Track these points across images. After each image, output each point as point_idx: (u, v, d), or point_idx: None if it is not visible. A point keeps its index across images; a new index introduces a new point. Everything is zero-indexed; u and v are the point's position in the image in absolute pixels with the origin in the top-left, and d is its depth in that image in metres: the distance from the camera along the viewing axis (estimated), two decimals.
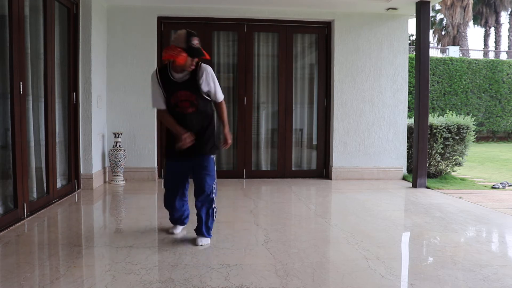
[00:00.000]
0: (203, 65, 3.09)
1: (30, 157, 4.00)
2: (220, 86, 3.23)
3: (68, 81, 4.96)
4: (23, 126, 3.74)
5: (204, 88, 3.07)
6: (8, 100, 3.57)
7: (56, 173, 4.57)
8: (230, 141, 3.26)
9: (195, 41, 2.94)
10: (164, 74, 3.06)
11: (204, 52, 2.98)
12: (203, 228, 3.21)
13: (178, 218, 3.47)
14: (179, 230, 3.51)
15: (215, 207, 3.26)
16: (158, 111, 3.20)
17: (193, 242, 3.20)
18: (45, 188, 4.35)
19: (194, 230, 3.29)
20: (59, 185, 4.70)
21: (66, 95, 4.93)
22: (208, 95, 3.13)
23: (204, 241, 3.18)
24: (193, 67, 3.00)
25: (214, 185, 3.24)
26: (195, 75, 3.05)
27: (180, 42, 2.91)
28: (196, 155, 3.16)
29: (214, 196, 3.23)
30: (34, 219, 3.85)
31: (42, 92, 4.29)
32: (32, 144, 4.04)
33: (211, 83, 3.09)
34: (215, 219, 3.28)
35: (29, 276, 2.53)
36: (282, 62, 6.33)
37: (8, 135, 3.62)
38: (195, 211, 3.24)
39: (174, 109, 3.09)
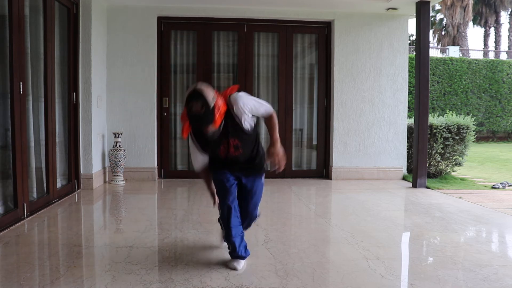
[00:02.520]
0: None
1: (30, 157, 4.00)
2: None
3: (68, 81, 4.96)
4: (23, 126, 3.74)
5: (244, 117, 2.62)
6: (8, 100, 3.57)
7: (56, 173, 4.57)
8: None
9: (197, 106, 2.33)
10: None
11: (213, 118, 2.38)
12: None
13: None
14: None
15: None
16: (204, 171, 2.80)
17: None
18: (45, 188, 4.35)
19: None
20: (59, 185, 4.70)
21: (66, 95, 4.93)
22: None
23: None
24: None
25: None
26: (229, 114, 2.58)
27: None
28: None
29: None
30: (34, 219, 3.85)
31: (42, 92, 4.29)
32: (32, 144, 4.04)
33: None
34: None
35: (29, 276, 2.53)
36: (282, 62, 6.33)
37: (8, 135, 3.62)
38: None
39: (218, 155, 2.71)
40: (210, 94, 2.38)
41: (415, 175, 5.67)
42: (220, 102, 2.45)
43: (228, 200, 2.68)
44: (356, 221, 3.93)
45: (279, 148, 2.72)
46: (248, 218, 2.84)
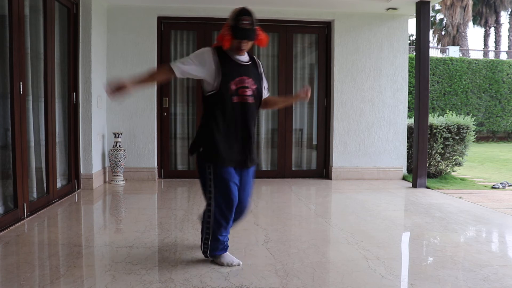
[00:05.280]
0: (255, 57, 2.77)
1: (30, 157, 3.99)
2: None
3: (68, 81, 4.96)
4: (23, 126, 3.74)
5: (263, 81, 2.76)
6: (8, 100, 3.57)
7: (56, 173, 4.57)
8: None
9: (247, 20, 2.51)
10: (222, 53, 2.59)
11: (257, 35, 2.58)
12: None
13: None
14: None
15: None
16: (162, 68, 2.61)
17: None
18: (45, 188, 4.35)
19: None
20: (59, 185, 4.70)
21: (66, 95, 4.93)
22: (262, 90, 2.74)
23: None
24: (241, 53, 2.61)
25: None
26: (255, 62, 2.73)
27: (230, 19, 2.55)
28: (251, 165, 2.70)
29: None
30: (34, 219, 3.85)
31: (42, 92, 4.29)
32: (32, 144, 4.03)
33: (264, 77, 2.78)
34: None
35: (29, 276, 2.53)
36: (282, 62, 6.33)
37: (8, 135, 3.62)
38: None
39: (231, 97, 2.55)
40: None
41: (415, 175, 5.67)
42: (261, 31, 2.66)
43: (235, 195, 2.61)
44: (356, 221, 3.93)
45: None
46: (243, 208, 2.78)
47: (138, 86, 2.57)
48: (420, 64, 5.56)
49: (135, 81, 2.52)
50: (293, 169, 6.45)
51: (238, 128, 2.61)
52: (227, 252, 2.76)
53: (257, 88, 2.65)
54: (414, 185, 5.68)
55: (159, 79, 2.73)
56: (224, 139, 2.58)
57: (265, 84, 2.81)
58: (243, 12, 2.52)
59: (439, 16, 26.27)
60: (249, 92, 2.60)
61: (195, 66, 2.57)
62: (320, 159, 6.50)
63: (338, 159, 6.27)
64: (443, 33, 26.27)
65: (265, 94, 2.83)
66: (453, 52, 19.44)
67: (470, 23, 25.24)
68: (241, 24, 2.50)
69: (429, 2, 5.58)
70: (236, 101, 2.57)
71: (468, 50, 23.81)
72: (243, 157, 2.63)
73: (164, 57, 6.11)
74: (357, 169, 6.30)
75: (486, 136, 14.45)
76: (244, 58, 2.66)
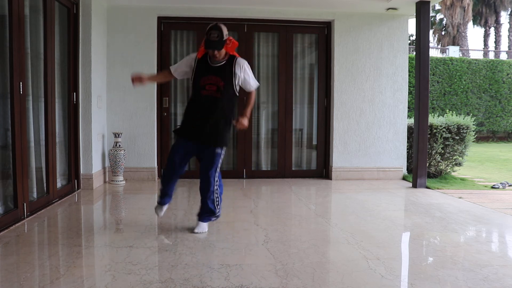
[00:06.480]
0: (239, 59, 3.37)
1: (30, 157, 3.99)
2: None
3: (68, 81, 4.96)
4: (23, 126, 3.74)
5: (237, 79, 3.35)
6: (8, 100, 3.57)
7: (56, 173, 4.57)
8: (244, 123, 3.39)
9: (214, 34, 3.14)
10: (203, 57, 3.34)
11: (223, 45, 3.20)
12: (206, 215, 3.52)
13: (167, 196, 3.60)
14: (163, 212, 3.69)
15: (217, 197, 3.47)
16: (165, 71, 3.54)
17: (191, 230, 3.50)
18: (45, 188, 4.35)
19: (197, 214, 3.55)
20: (59, 185, 4.70)
21: (66, 95, 4.93)
22: (239, 87, 3.40)
23: (201, 229, 3.47)
24: (215, 58, 3.28)
25: (217, 177, 3.45)
26: (231, 65, 3.33)
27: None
28: (207, 143, 3.35)
29: (216, 187, 3.46)
30: (34, 219, 3.85)
31: (42, 92, 4.29)
32: (32, 144, 4.03)
33: (244, 74, 3.38)
34: (217, 207, 3.51)
35: (29, 276, 2.53)
36: (282, 62, 6.33)
37: (8, 135, 3.62)
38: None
39: (200, 90, 3.31)
40: (225, 31, 3.22)
41: (415, 175, 5.67)
42: (232, 41, 3.28)
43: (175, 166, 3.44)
44: (356, 221, 3.93)
45: (246, 122, 3.41)
46: (203, 178, 3.40)
47: (151, 81, 3.64)
48: (420, 64, 5.56)
49: (149, 77, 3.50)
50: (293, 169, 6.45)
51: (202, 113, 3.31)
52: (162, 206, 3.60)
53: (224, 85, 3.30)
54: (414, 185, 5.68)
55: (163, 78, 3.64)
56: (189, 119, 3.39)
57: (246, 81, 3.43)
58: (212, 27, 3.18)
59: (439, 16, 26.27)
60: (214, 88, 3.29)
61: (184, 64, 3.46)
62: (320, 159, 6.50)
63: (338, 159, 6.27)
64: (443, 33, 26.27)
65: (253, 86, 3.50)
66: (453, 52, 19.44)
67: (470, 23, 25.25)
68: (210, 37, 3.16)
69: (429, 2, 5.58)
70: (204, 94, 3.30)
71: (468, 50, 23.81)
72: (199, 133, 3.32)
73: (164, 57, 6.11)
74: (357, 169, 6.30)
75: (486, 136, 14.45)
76: (218, 62, 3.31)
